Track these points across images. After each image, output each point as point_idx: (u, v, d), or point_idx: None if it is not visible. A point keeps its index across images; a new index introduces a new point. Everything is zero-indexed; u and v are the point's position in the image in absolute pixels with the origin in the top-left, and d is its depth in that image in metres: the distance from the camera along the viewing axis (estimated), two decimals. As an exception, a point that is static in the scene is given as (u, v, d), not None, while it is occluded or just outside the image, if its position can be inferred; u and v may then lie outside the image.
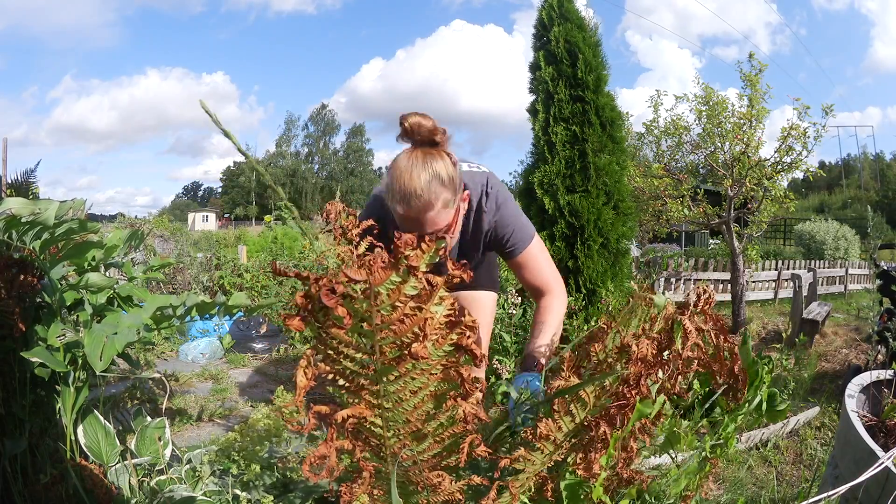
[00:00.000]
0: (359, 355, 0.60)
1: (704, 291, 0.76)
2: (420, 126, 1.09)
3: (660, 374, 0.71)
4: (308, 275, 0.54)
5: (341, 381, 0.63)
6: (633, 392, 0.69)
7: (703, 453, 0.78)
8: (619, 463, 0.69)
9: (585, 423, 0.72)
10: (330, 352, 0.60)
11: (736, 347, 0.75)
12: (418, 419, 0.65)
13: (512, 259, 1.43)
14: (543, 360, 1.17)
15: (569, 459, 0.71)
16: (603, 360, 0.76)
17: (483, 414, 0.64)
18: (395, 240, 0.54)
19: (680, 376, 0.71)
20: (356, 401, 0.63)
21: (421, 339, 0.56)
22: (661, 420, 0.71)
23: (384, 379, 0.61)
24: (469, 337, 0.61)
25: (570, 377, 0.79)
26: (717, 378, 0.76)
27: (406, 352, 0.57)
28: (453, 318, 0.60)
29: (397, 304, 0.55)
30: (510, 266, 1.46)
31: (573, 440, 0.73)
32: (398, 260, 0.53)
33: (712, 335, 0.74)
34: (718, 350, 0.75)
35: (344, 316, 0.53)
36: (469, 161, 1.45)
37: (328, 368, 0.62)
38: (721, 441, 0.79)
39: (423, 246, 0.55)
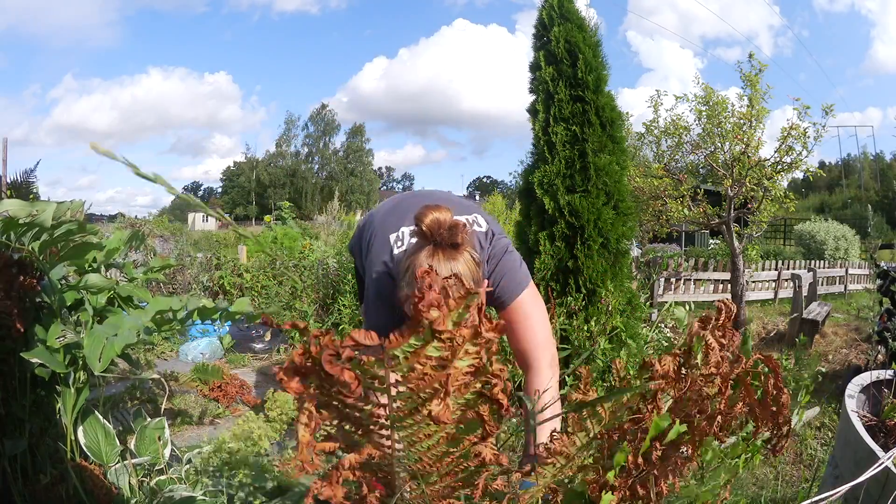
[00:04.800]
0: (367, 407, 0.55)
1: (725, 305, 0.73)
2: (439, 225, 0.99)
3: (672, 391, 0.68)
4: (305, 326, 0.48)
5: (347, 427, 0.59)
6: (650, 407, 0.65)
7: (736, 467, 0.76)
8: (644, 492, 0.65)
9: (599, 436, 0.69)
10: (335, 403, 0.55)
11: (785, 396, 0.69)
12: (431, 458, 0.62)
13: (500, 312, 1.30)
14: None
15: (577, 478, 0.69)
16: (623, 377, 0.74)
17: (504, 459, 0.61)
18: (418, 299, 0.48)
19: (720, 417, 0.66)
20: (364, 441, 0.59)
21: (441, 396, 0.51)
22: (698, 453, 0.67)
23: (396, 427, 0.57)
24: (496, 386, 0.56)
25: (587, 391, 0.76)
26: (760, 424, 0.71)
27: (424, 408, 0.53)
28: (478, 366, 0.55)
29: (416, 365, 0.50)
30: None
31: (587, 454, 0.71)
32: (418, 322, 0.48)
33: (762, 378, 0.70)
34: (766, 395, 0.69)
35: (352, 381, 0.48)
36: (469, 211, 1.36)
37: (330, 415, 0.56)
38: (750, 455, 0.78)
39: (451, 302, 0.49)
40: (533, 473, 0.73)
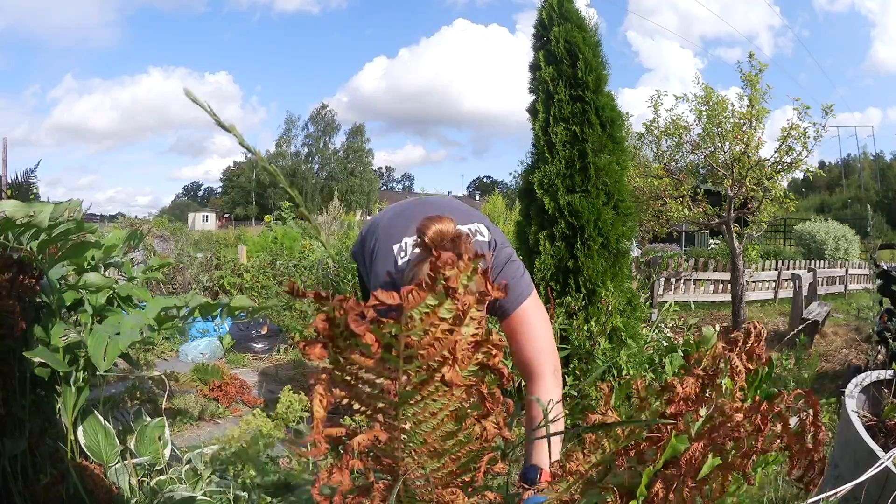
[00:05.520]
0: (380, 380, 0.56)
1: (755, 328, 0.71)
2: (442, 237, 0.99)
3: (702, 412, 0.66)
4: (328, 295, 0.49)
5: (357, 406, 0.60)
6: (669, 428, 0.64)
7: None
8: None
9: (614, 453, 0.69)
10: (348, 377, 0.56)
11: (822, 433, 0.66)
12: (436, 439, 0.63)
13: (502, 321, 1.30)
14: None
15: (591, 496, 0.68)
16: (644, 398, 0.72)
17: (507, 432, 0.62)
18: (434, 257, 0.50)
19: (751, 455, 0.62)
20: (372, 423, 0.60)
21: (451, 363, 0.52)
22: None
23: (405, 402, 0.58)
24: (496, 356, 0.58)
25: (606, 412, 0.76)
26: (795, 463, 0.68)
27: (435, 377, 0.54)
28: (480, 338, 0.57)
29: (430, 328, 0.51)
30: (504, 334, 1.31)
31: (599, 471, 0.70)
32: (436, 280, 0.49)
33: (804, 416, 0.67)
34: (804, 432, 0.66)
35: (372, 343, 0.49)
36: (471, 220, 1.36)
37: (344, 394, 0.58)
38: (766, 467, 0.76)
39: (462, 263, 0.51)
40: (543, 489, 0.73)
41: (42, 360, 1.20)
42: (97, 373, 1.25)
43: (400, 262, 1.27)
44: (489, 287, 0.53)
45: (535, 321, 1.29)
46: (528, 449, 1.14)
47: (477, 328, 0.57)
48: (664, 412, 0.66)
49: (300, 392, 1.39)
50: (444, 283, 0.50)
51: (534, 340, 1.27)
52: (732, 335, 0.72)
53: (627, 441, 0.69)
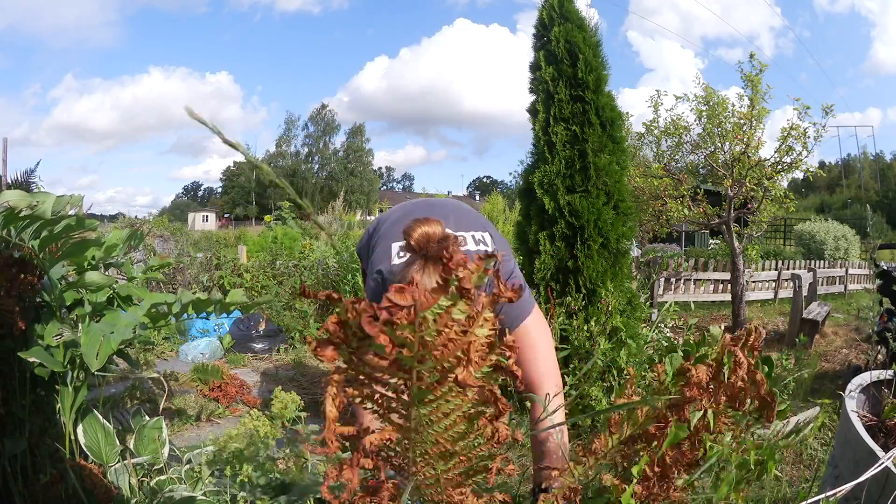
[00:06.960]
0: (394, 380, 0.56)
1: (756, 329, 0.81)
2: (428, 239, 0.99)
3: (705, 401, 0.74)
4: (340, 297, 0.50)
5: (369, 405, 0.60)
6: (673, 416, 0.71)
7: (747, 467, 0.78)
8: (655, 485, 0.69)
9: (627, 439, 0.74)
10: (361, 377, 0.56)
11: (760, 375, 0.77)
12: (447, 440, 0.63)
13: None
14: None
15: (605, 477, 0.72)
16: (663, 381, 0.78)
17: (520, 434, 0.63)
18: (446, 258, 0.50)
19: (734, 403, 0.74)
20: (384, 423, 0.61)
21: (465, 364, 0.53)
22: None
23: (418, 403, 0.58)
24: (510, 358, 0.59)
25: (632, 396, 0.81)
26: (749, 399, 0.78)
27: (448, 377, 0.54)
28: (493, 339, 0.58)
29: (443, 328, 0.51)
30: None
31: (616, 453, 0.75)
32: (448, 281, 0.49)
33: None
34: (751, 373, 0.77)
35: (386, 345, 0.49)
36: (477, 227, 1.35)
37: (357, 393, 0.58)
38: (764, 458, 0.79)
39: (473, 265, 0.51)
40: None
41: (39, 360, 1.20)
42: (93, 372, 1.25)
43: (396, 261, 1.27)
44: (502, 288, 0.53)
45: (539, 341, 1.26)
46: (535, 468, 1.12)
47: (491, 330, 0.56)
48: (683, 395, 0.73)
49: (292, 392, 1.39)
50: (456, 284, 0.50)
51: (536, 362, 1.24)
52: (736, 333, 0.80)
53: (645, 424, 0.75)
